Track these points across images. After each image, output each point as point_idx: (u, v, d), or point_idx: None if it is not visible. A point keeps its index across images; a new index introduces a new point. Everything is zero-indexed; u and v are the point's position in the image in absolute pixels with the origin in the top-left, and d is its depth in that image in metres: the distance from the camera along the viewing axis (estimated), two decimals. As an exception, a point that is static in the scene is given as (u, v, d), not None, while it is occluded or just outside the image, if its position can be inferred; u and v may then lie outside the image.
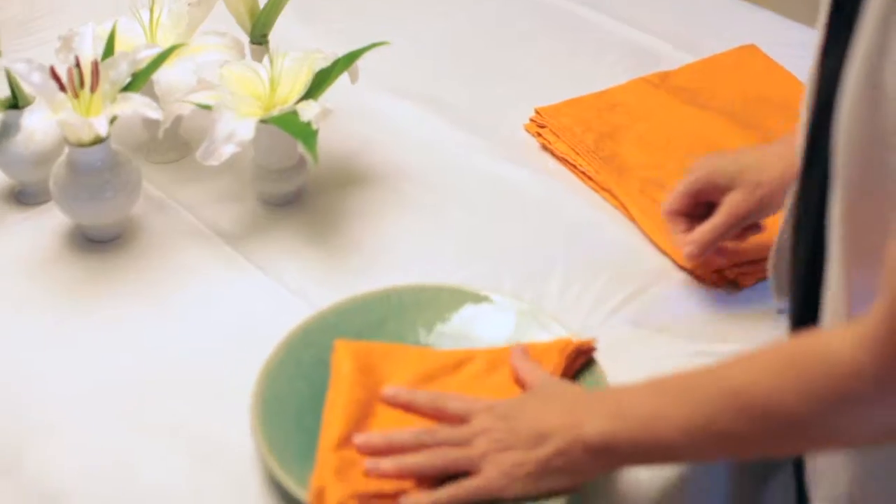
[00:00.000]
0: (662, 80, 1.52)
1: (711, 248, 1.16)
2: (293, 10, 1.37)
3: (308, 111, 1.15)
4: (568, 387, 1.01)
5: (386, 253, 1.23)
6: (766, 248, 1.15)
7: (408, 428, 0.97)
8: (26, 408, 1.04)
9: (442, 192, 1.33)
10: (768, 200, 1.14)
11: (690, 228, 1.17)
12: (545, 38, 1.63)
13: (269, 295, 1.17)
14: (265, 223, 1.26)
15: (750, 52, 1.57)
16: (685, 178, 1.19)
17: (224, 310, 1.15)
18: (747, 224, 1.18)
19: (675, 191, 1.19)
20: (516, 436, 0.93)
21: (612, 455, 0.92)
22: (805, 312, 0.95)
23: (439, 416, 0.98)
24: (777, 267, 1.10)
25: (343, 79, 1.27)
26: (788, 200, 1.02)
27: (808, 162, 0.95)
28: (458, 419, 0.97)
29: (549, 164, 1.37)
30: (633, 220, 1.28)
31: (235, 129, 1.15)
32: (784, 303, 1.08)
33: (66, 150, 1.18)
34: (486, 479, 0.93)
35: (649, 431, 0.90)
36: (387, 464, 0.94)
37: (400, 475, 0.93)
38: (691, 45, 1.60)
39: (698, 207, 1.18)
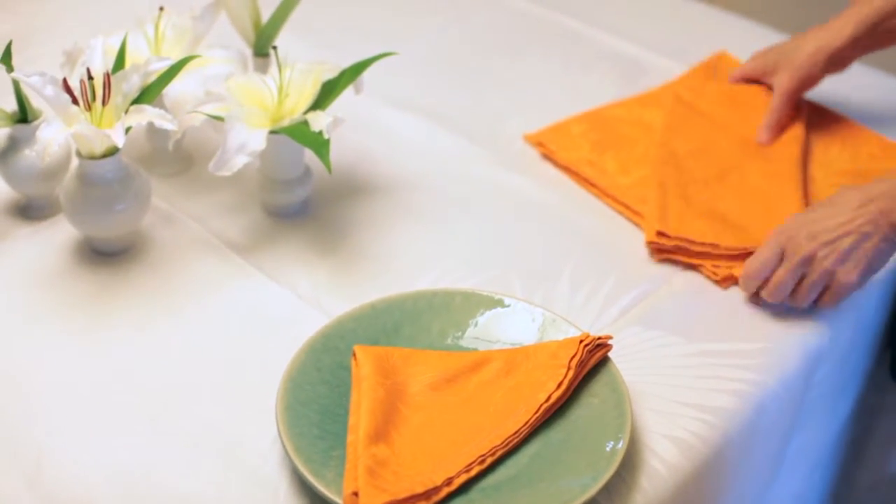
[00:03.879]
0: (648, 99, 1.54)
1: (779, 126, 1.43)
2: (288, 25, 1.38)
3: (319, 121, 1.17)
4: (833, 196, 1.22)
5: (395, 261, 1.24)
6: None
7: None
8: (46, 419, 1.05)
9: (446, 200, 1.34)
10: (807, 75, 1.43)
11: None
12: (537, 50, 1.65)
13: (283, 303, 1.18)
14: (273, 233, 1.27)
15: (721, 59, 1.60)
16: (742, 66, 1.52)
17: (240, 318, 1.16)
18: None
19: (733, 77, 1.52)
20: (840, 247, 1.15)
21: None
22: None
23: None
24: None
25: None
26: None
27: None
28: (779, 258, 1.18)
29: (550, 172, 1.40)
30: (637, 224, 1.31)
31: (247, 140, 1.16)
32: None
33: (77, 163, 1.18)
34: (840, 284, 1.16)
35: None
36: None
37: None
38: (676, 54, 1.63)
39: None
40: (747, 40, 1.64)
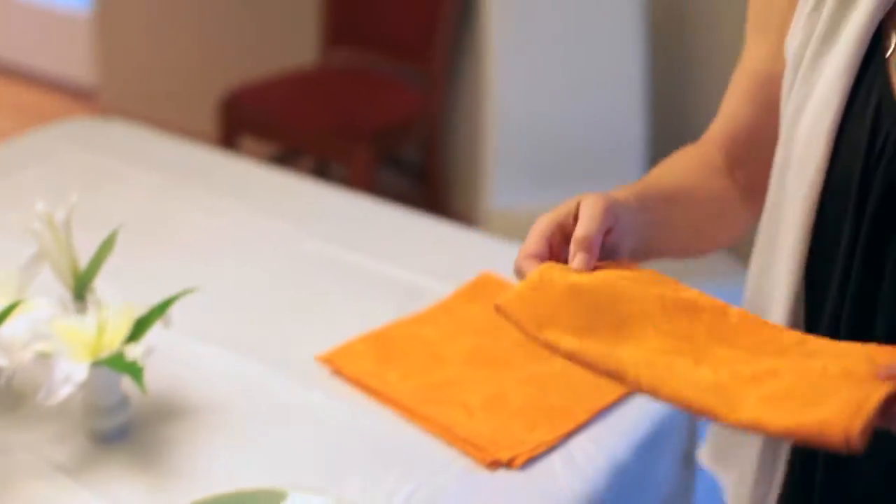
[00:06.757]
0: (423, 317, 1.77)
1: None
2: (105, 269, 1.58)
3: (133, 351, 1.36)
4: None
5: (203, 473, 1.43)
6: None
7: None
8: None
9: (248, 419, 1.54)
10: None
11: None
12: (326, 282, 1.88)
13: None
14: (97, 455, 1.44)
15: (485, 280, 1.86)
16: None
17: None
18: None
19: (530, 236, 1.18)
20: None
21: None
22: None
23: None
24: None
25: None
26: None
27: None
28: None
29: (339, 386, 1.60)
30: (418, 423, 1.53)
31: (71, 373, 1.35)
32: None
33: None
34: None
35: None
36: None
37: None
38: (447, 277, 1.88)
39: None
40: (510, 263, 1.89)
